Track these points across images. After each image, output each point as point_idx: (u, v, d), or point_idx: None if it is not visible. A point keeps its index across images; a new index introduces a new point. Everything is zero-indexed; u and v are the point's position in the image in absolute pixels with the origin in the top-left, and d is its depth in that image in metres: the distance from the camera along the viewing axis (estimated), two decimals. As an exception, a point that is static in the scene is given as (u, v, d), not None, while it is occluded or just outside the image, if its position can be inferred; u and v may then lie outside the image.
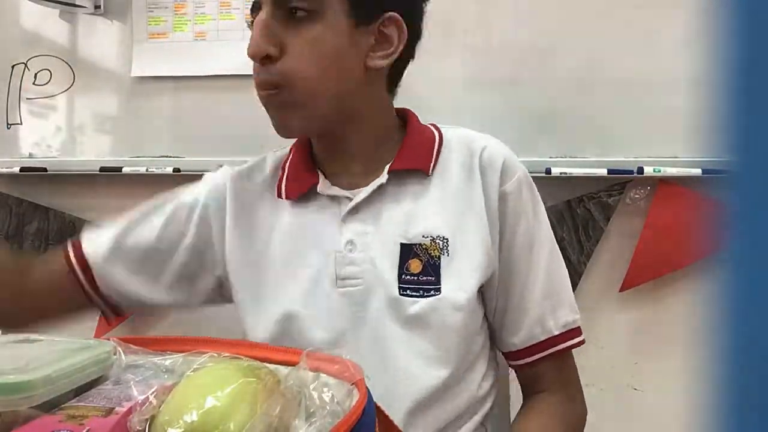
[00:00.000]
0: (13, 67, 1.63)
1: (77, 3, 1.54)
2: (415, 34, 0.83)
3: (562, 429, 0.84)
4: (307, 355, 0.49)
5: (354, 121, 0.82)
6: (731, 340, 0.19)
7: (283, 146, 0.93)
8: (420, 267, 0.79)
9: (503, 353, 0.88)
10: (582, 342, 0.86)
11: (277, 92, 0.77)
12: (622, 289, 1.43)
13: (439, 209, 0.81)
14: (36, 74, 1.63)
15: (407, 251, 0.80)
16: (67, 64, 1.61)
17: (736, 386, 0.19)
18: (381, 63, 0.80)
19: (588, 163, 1.38)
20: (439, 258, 0.79)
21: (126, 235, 0.88)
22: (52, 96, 1.62)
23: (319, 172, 0.85)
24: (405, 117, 0.89)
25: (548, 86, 1.40)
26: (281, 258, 0.84)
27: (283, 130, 0.81)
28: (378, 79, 0.83)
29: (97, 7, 1.57)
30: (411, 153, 0.84)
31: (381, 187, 0.82)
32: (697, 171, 1.33)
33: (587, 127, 1.39)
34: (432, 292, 0.78)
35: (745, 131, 0.18)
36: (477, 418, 0.82)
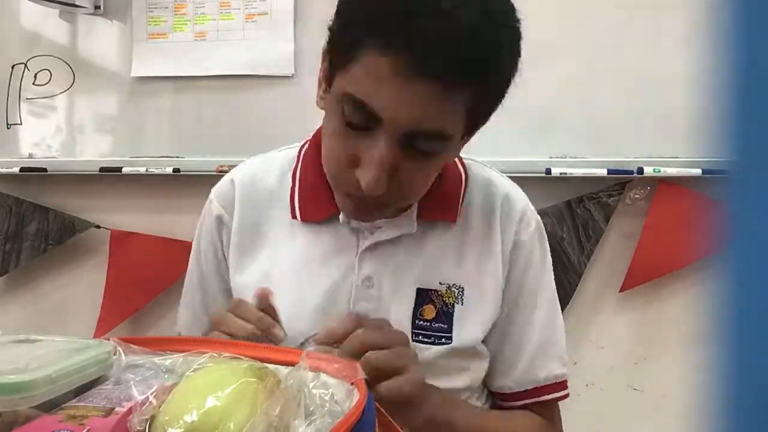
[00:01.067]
0: (13, 67, 1.63)
1: (77, 3, 1.54)
2: None
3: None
4: (307, 355, 0.49)
5: None
6: (731, 340, 0.19)
7: (288, 145, 0.89)
8: (433, 313, 0.79)
9: (490, 390, 0.89)
10: (566, 396, 0.87)
11: (383, 209, 0.73)
12: (622, 290, 1.43)
13: (458, 258, 0.81)
14: (36, 74, 1.63)
15: (423, 296, 0.79)
16: (67, 64, 1.61)
17: (737, 386, 0.19)
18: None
19: (588, 163, 1.38)
20: (454, 306, 0.79)
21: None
22: (52, 96, 1.62)
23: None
24: None
25: (548, 86, 1.40)
26: (290, 281, 0.80)
27: (363, 221, 0.78)
28: None
29: (97, 7, 1.57)
30: (438, 199, 0.80)
31: (407, 233, 0.80)
32: (697, 171, 1.33)
33: (587, 127, 1.39)
34: (443, 340, 0.79)
35: (745, 131, 0.18)
36: None
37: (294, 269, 0.81)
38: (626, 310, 1.45)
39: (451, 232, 0.81)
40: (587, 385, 1.44)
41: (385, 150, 0.64)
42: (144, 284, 1.56)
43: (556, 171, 1.38)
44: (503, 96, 0.76)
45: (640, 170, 1.36)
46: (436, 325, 0.79)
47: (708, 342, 0.19)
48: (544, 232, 0.87)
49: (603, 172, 1.37)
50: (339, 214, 0.79)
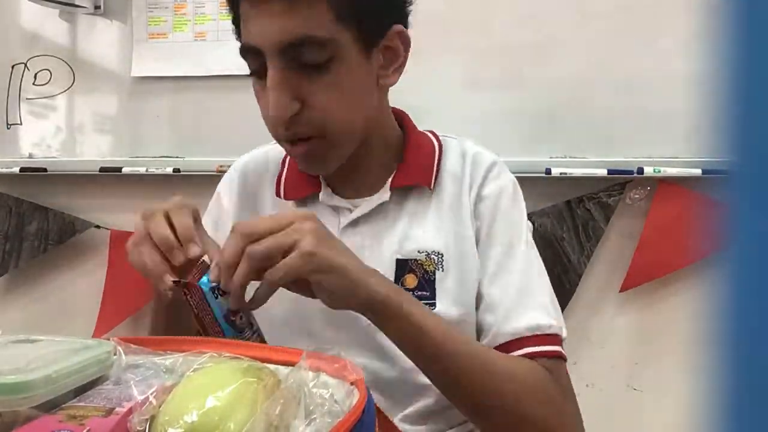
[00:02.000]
0: (13, 67, 1.63)
1: (77, 3, 1.54)
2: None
3: (495, 358, 0.75)
4: (307, 355, 0.49)
5: (368, 139, 0.81)
6: (731, 340, 0.19)
7: None
8: (415, 282, 0.80)
9: None
10: (559, 354, 0.77)
11: (311, 142, 0.74)
12: (622, 290, 1.43)
13: (435, 224, 0.82)
14: (36, 74, 1.63)
15: (403, 267, 0.80)
16: (67, 64, 1.61)
17: (737, 386, 0.19)
18: (394, 79, 0.79)
19: (588, 163, 1.38)
20: (434, 273, 0.80)
21: None
22: (52, 96, 1.63)
23: (321, 179, 0.85)
24: (400, 120, 0.89)
25: (548, 86, 1.40)
26: None
27: (319, 172, 0.82)
28: (385, 92, 0.83)
29: (97, 7, 1.57)
30: (413, 166, 0.83)
31: (382, 204, 0.82)
32: (697, 171, 1.33)
33: (587, 127, 1.39)
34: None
35: (745, 131, 0.18)
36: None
37: None
38: (626, 310, 1.45)
39: (427, 199, 0.83)
40: (587, 385, 1.44)
41: (272, 72, 0.71)
42: (144, 284, 1.56)
43: (556, 171, 1.38)
44: None
45: (640, 170, 1.36)
46: (419, 293, 0.78)
47: (708, 342, 0.19)
48: (518, 190, 0.84)
49: (603, 172, 1.37)
50: (319, 192, 0.84)
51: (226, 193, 0.92)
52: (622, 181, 1.40)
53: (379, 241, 0.82)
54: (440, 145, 0.86)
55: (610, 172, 1.37)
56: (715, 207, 0.19)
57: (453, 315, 0.78)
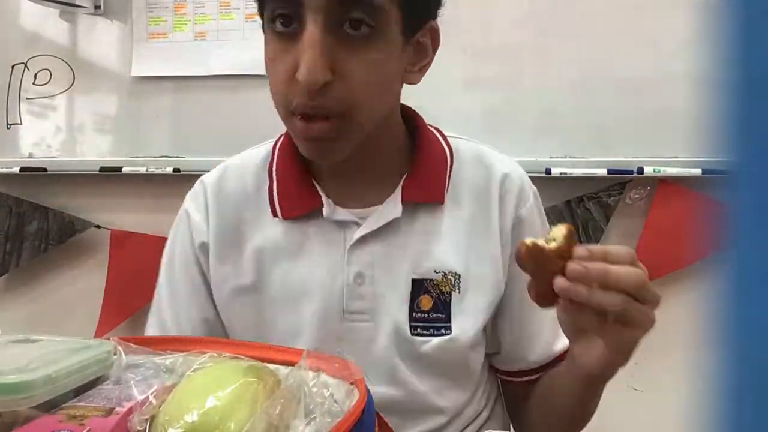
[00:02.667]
0: (13, 67, 1.63)
1: (77, 3, 1.54)
2: None
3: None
4: (307, 355, 0.49)
5: (379, 135, 0.73)
6: (732, 341, 0.19)
7: (268, 140, 0.84)
8: (430, 304, 0.75)
9: (508, 372, 0.85)
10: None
11: (330, 122, 0.65)
12: (622, 289, 1.43)
13: (451, 242, 0.76)
14: (36, 74, 1.63)
15: (418, 287, 0.75)
16: (67, 64, 1.61)
17: (737, 386, 0.19)
18: (419, 77, 0.74)
19: (588, 163, 1.38)
20: (450, 294, 0.75)
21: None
22: (52, 96, 1.63)
23: (320, 189, 0.76)
24: (410, 119, 0.81)
25: (548, 86, 1.40)
26: (280, 288, 0.76)
27: (325, 159, 0.72)
28: (400, 92, 0.77)
29: (97, 7, 1.57)
30: (423, 178, 0.76)
31: (393, 219, 0.75)
32: (697, 171, 1.33)
33: (587, 127, 1.39)
34: (442, 331, 0.75)
35: (745, 131, 0.18)
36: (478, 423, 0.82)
37: (283, 270, 0.76)
38: (626, 310, 1.45)
39: (440, 214, 0.76)
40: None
41: (314, 32, 0.62)
42: (144, 284, 1.56)
43: (556, 171, 1.38)
44: None
45: (640, 170, 1.36)
46: (434, 315, 0.75)
47: (708, 342, 0.19)
48: (540, 199, 0.82)
49: (603, 172, 1.37)
50: (322, 207, 0.75)
51: (199, 214, 0.79)
52: (622, 181, 1.40)
53: (392, 259, 0.75)
54: (451, 152, 0.79)
55: (610, 172, 1.37)
56: (715, 207, 0.19)
57: (469, 337, 0.76)
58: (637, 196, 1.41)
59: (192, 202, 0.81)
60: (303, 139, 0.68)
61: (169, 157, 1.55)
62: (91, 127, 1.62)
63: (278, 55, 0.66)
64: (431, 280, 0.75)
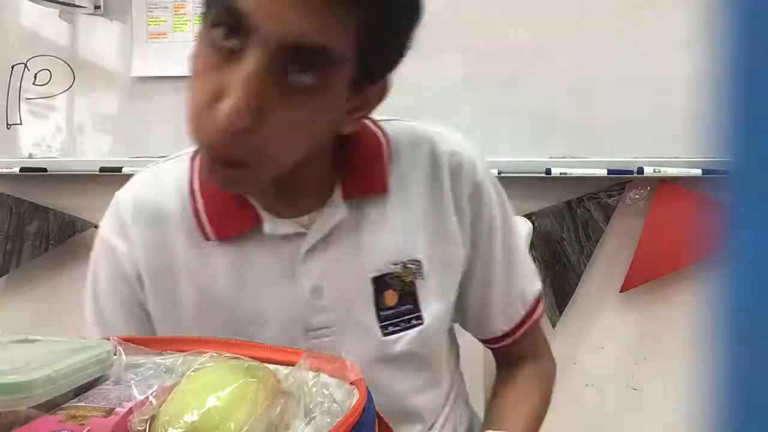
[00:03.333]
0: (13, 67, 1.63)
1: (77, 3, 1.54)
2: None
3: (537, 396, 0.82)
4: (307, 355, 0.49)
5: (304, 162, 0.65)
6: (732, 340, 0.19)
7: (177, 153, 0.75)
8: (396, 298, 0.72)
9: (482, 340, 0.84)
10: (544, 308, 0.85)
11: (239, 169, 0.58)
12: (622, 290, 1.43)
13: (403, 229, 0.72)
14: (36, 74, 1.63)
15: (380, 285, 0.71)
16: (67, 64, 1.61)
17: (737, 387, 0.19)
18: (351, 128, 0.67)
19: (588, 163, 1.38)
20: (414, 283, 0.72)
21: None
22: (52, 96, 1.63)
23: (254, 204, 0.69)
24: None
25: (548, 86, 1.40)
26: (229, 315, 0.70)
27: (234, 191, 0.67)
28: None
29: (97, 7, 1.57)
30: (361, 171, 0.71)
31: (339, 222, 0.70)
32: (697, 171, 1.33)
33: (587, 127, 1.39)
34: (413, 322, 0.72)
35: (745, 131, 0.18)
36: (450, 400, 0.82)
37: (229, 297, 0.69)
38: (626, 310, 1.45)
39: (386, 203, 0.72)
40: (587, 385, 1.44)
41: (253, 66, 0.54)
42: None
43: (556, 171, 1.38)
44: (397, 35, 0.62)
45: (640, 170, 1.36)
46: (402, 308, 0.71)
47: (708, 342, 0.19)
48: (488, 167, 0.78)
49: (603, 172, 1.37)
50: (262, 223, 0.68)
51: (124, 244, 0.71)
52: (622, 181, 1.40)
53: (347, 264, 0.70)
54: (386, 137, 0.73)
55: (610, 172, 1.37)
56: (715, 207, 0.19)
57: (442, 322, 0.75)
58: (637, 196, 1.41)
59: (111, 231, 0.73)
60: (207, 176, 0.62)
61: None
62: (91, 127, 1.62)
63: (206, 69, 0.57)
64: (390, 273, 0.71)
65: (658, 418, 1.43)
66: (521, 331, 0.81)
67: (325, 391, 0.46)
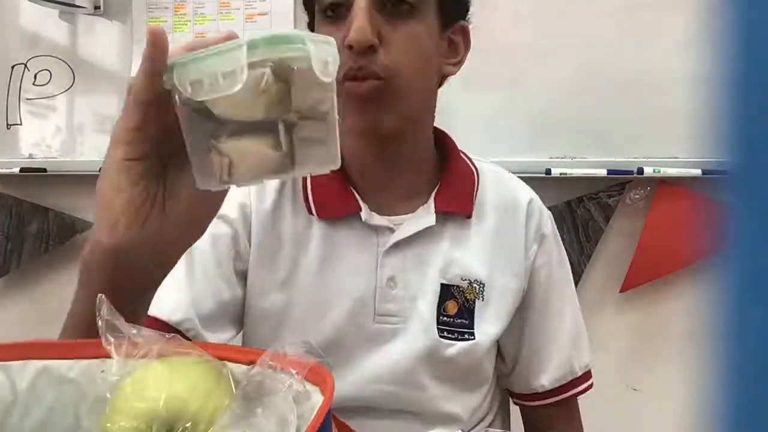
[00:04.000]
0: (13, 67, 1.63)
1: (77, 3, 1.54)
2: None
3: None
4: (266, 355, 0.48)
5: (414, 130, 0.79)
6: (731, 341, 0.19)
7: None
8: (455, 309, 0.79)
9: (517, 393, 0.89)
10: (592, 385, 0.89)
11: (379, 84, 0.71)
12: (622, 290, 1.43)
13: (477, 253, 0.80)
14: (36, 74, 1.63)
15: (446, 292, 0.79)
16: (67, 64, 1.61)
17: (737, 387, 0.19)
18: (453, 70, 0.81)
19: (588, 164, 1.38)
20: (474, 302, 0.79)
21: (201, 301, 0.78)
22: (52, 96, 1.63)
23: (356, 194, 0.79)
24: (440, 138, 0.86)
25: (548, 87, 1.40)
26: (313, 285, 0.78)
27: (370, 131, 0.75)
28: (436, 90, 0.83)
29: (97, 7, 1.57)
30: (454, 191, 0.81)
31: (427, 227, 0.79)
32: (697, 171, 1.33)
33: (587, 128, 1.39)
34: (466, 336, 0.79)
35: (745, 131, 0.18)
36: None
37: (316, 270, 0.78)
38: (626, 310, 1.45)
39: (467, 226, 0.81)
40: (587, 385, 1.44)
41: (362, 4, 0.70)
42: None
43: (556, 171, 1.38)
44: None
45: (640, 170, 1.36)
46: (458, 321, 0.79)
47: (708, 342, 0.19)
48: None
49: (603, 172, 1.37)
50: (360, 212, 0.78)
51: (244, 196, 0.80)
52: (622, 182, 1.40)
53: (424, 264, 0.79)
54: (477, 171, 0.84)
55: (610, 172, 1.37)
56: (715, 207, 0.19)
57: (488, 344, 0.80)
58: (637, 196, 1.41)
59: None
60: (351, 100, 0.72)
61: (169, 157, 1.55)
62: (91, 128, 1.62)
63: (329, 35, 0.67)
64: (458, 286, 0.79)
65: (658, 418, 1.43)
66: (562, 396, 0.85)
67: (287, 378, 0.45)
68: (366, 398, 0.77)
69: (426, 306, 0.78)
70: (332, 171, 0.75)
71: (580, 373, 0.86)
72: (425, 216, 0.79)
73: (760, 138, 0.18)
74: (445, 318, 0.79)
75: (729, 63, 0.18)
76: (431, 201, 0.80)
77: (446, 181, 0.81)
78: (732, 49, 0.18)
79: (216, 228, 0.77)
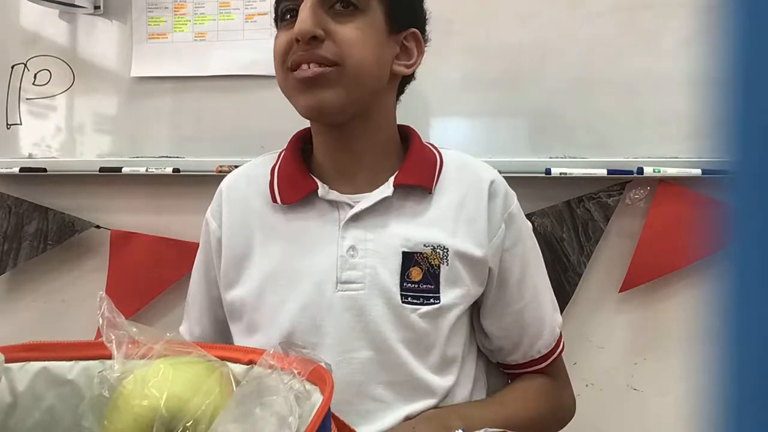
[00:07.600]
0: (12, 67, 1.63)
1: (77, 3, 1.54)
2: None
3: (543, 404, 0.90)
4: (266, 354, 0.48)
5: (370, 120, 0.85)
6: (731, 341, 0.19)
7: (274, 150, 0.94)
8: (420, 275, 0.82)
9: (503, 364, 0.94)
10: (563, 347, 0.95)
11: (324, 69, 0.78)
12: (621, 290, 1.43)
13: (439, 223, 0.84)
14: (36, 74, 1.63)
15: (408, 259, 0.82)
16: (67, 64, 1.61)
17: (737, 386, 0.19)
18: (404, 71, 0.85)
19: (588, 164, 1.38)
20: (439, 267, 0.82)
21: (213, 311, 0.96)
22: (52, 96, 1.62)
23: (316, 179, 0.86)
24: (407, 133, 0.92)
25: (548, 86, 1.40)
26: (281, 269, 0.85)
27: (317, 109, 0.81)
28: (392, 88, 0.88)
29: (96, 7, 1.57)
30: (415, 169, 0.86)
31: (385, 199, 0.84)
32: (697, 171, 1.33)
33: (587, 127, 1.39)
34: (431, 301, 0.81)
35: (745, 131, 0.18)
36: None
37: (282, 253, 0.85)
38: (626, 310, 1.45)
39: (427, 200, 0.85)
40: (587, 385, 1.44)
41: (309, 2, 0.77)
42: (144, 284, 1.56)
43: (556, 171, 1.38)
44: None
45: (640, 170, 1.36)
46: (424, 286, 0.82)
47: (708, 342, 0.19)
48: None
49: (603, 172, 1.37)
50: (317, 190, 0.84)
51: (214, 221, 0.92)
52: (622, 181, 1.40)
53: (384, 233, 0.83)
54: (440, 156, 0.90)
55: (609, 172, 1.37)
56: (715, 207, 0.19)
57: (458, 309, 0.83)
58: (637, 196, 1.41)
59: (209, 211, 0.93)
60: (299, 83, 0.80)
61: (169, 157, 1.55)
62: (90, 127, 1.62)
63: (282, 36, 0.80)
64: (421, 253, 0.82)
65: (658, 418, 1.43)
66: (538, 366, 0.92)
67: (287, 387, 0.45)
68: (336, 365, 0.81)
69: (387, 273, 0.82)
70: (297, 162, 0.89)
71: (550, 347, 0.91)
72: (384, 188, 0.85)
73: (760, 138, 0.18)
74: (409, 284, 0.82)
75: (729, 63, 0.18)
76: (391, 179, 0.85)
77: (407, 163, 0.87)
78: (732, 50, 0.18)
79: (198, 263, 0.95)
